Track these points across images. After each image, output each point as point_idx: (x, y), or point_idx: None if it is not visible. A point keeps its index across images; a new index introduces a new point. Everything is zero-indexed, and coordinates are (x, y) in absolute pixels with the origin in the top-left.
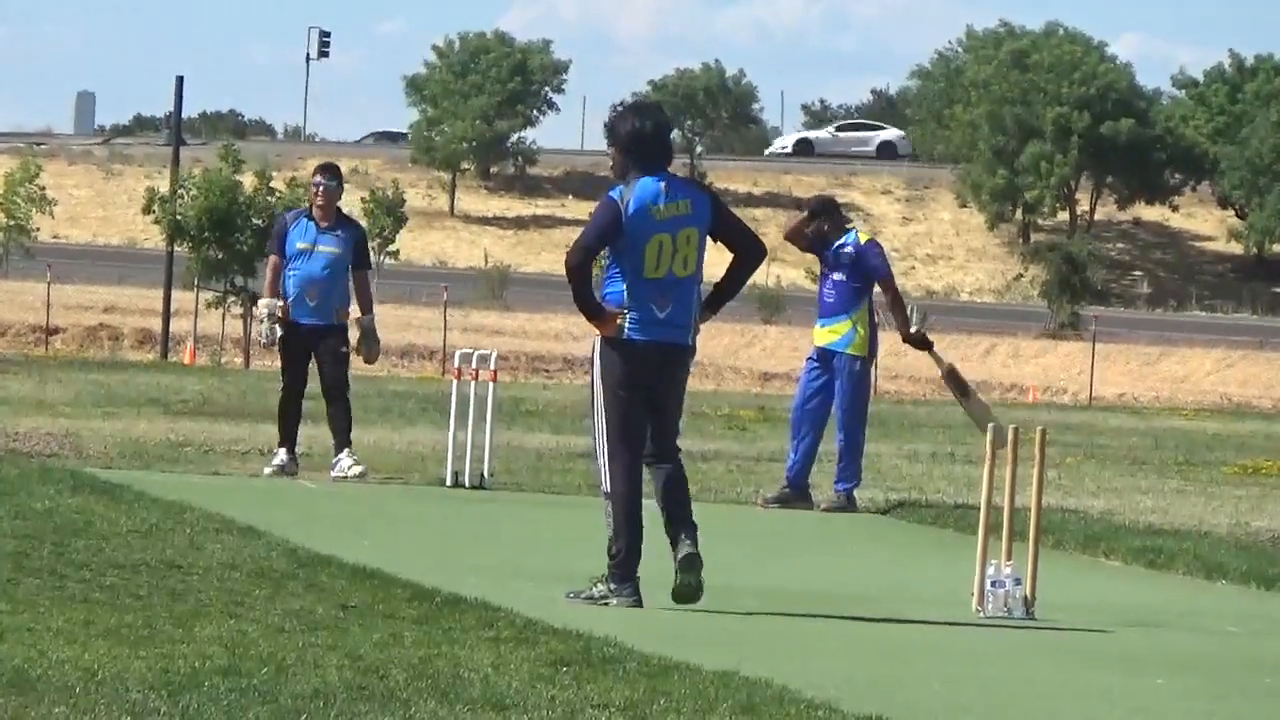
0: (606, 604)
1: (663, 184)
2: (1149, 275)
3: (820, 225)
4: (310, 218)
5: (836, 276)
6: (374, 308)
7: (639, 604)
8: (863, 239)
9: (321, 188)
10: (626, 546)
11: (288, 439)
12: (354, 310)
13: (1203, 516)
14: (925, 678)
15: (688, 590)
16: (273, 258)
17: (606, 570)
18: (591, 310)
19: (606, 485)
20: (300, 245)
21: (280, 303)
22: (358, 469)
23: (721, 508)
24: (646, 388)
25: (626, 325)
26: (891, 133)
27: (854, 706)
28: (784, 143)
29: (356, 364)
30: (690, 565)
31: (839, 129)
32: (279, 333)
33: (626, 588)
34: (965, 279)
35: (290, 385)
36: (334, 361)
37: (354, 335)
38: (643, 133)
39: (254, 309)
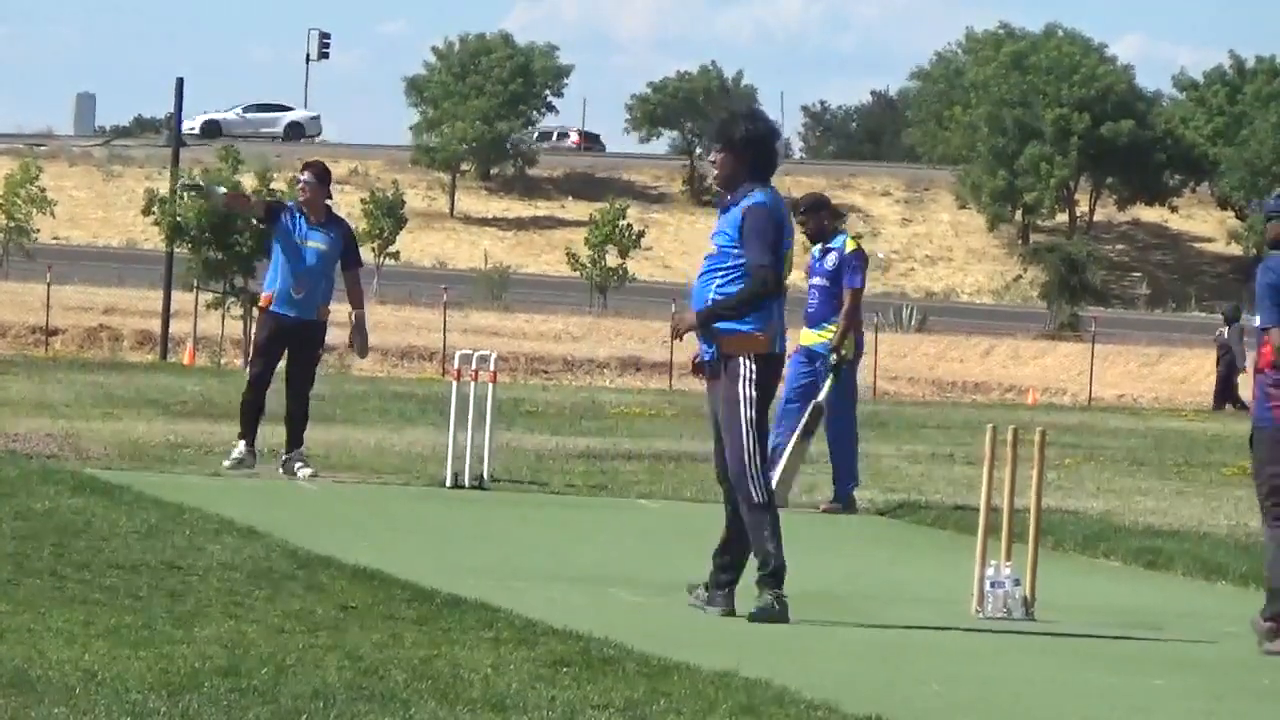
0: (785, 605)
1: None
2: (1148, 276)
3: (820, 219)
4: (301, 212)
5: (818, 283)
6: (365, 305)
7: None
8: (849, 247)
9: (302, 184)
10: (782, 554)
11: (249, 432)
12: (335, 307)
13: (1202, 517)
14: (925, 678)
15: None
16: (266, 201)
17: (768, 584)
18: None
19: (762, 497)
20: (290, 240)
21: (222, 191)
22: (307, 470)
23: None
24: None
25: (775, 339)
26: (300, 114)
27: (854, 706)
28: (192, 124)
29: (359, 365)
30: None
31: (246, 110)
32: (192, 186)
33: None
34: (965, 280)
35: (260, 376)
36: (306, 360)
37: (336, 333)
38: (762, 137)
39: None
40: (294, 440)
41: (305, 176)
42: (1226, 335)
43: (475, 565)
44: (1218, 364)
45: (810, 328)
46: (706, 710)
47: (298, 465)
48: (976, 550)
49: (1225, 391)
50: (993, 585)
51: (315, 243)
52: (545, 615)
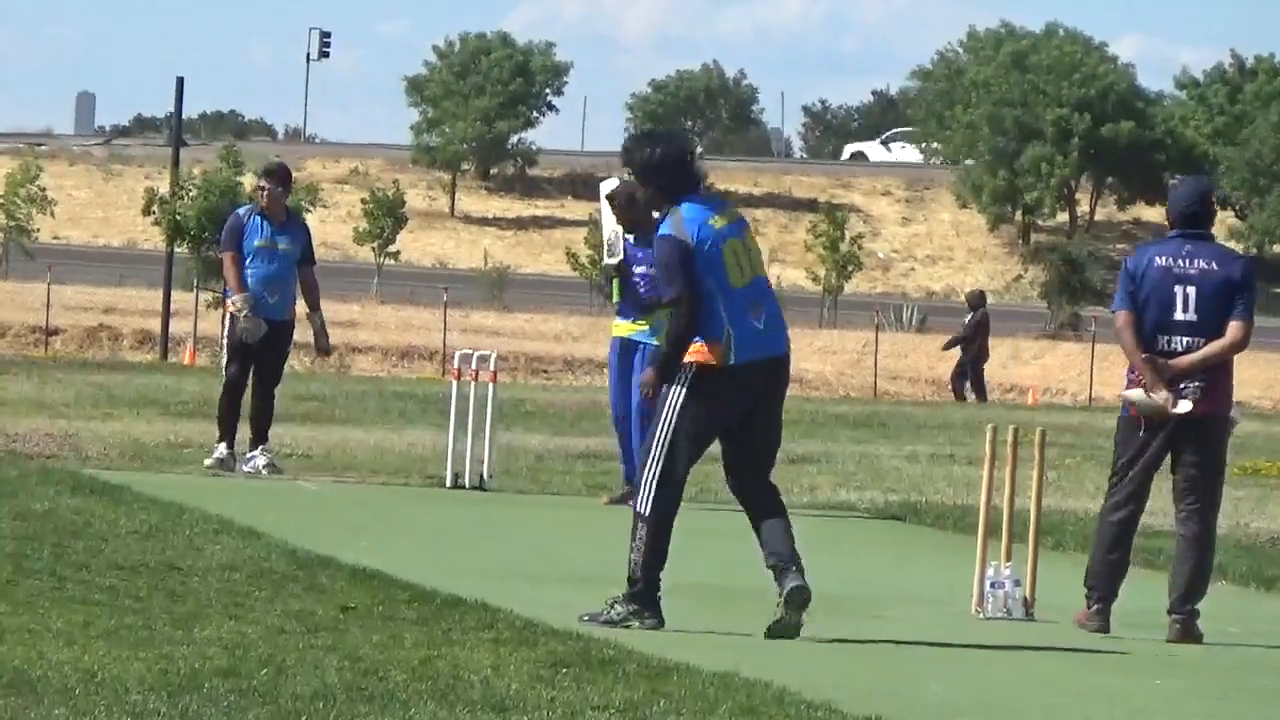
0: (620, 617)
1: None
2: None
3: (637, 210)
4: (263, 216)
5: (645, 271)
6: (360, 304)
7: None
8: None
9: (266, 191)
10: (651, 573)
11: (228, 434)
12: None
13: None
14: (925, 678)
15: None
16: (231, 253)
17: (627, 589)
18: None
19: (644, 508)
20: (258, 243)
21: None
22: (263, 459)
23: (721, 508)
24: (745, 409)
25: (728, 350)
26: None
27: (853, 707)
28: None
29: (363, 363)
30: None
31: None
32: (264, 326)
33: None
34: (965, 280)
35: (238, 379)
36: (278, 358)
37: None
38: (660, 163)
39: (229, 305)
40: (259, 437)
41: (267, 183)
42: (969, 322)
43: (475, 565)
44: (964, 351)
45: (632, 316)
46: (706, 711)
47: (263, 465)
48: (976, 550)
49: (974, 381)
50: (993, 585)
51: (283, 245)
52: (545, 616)
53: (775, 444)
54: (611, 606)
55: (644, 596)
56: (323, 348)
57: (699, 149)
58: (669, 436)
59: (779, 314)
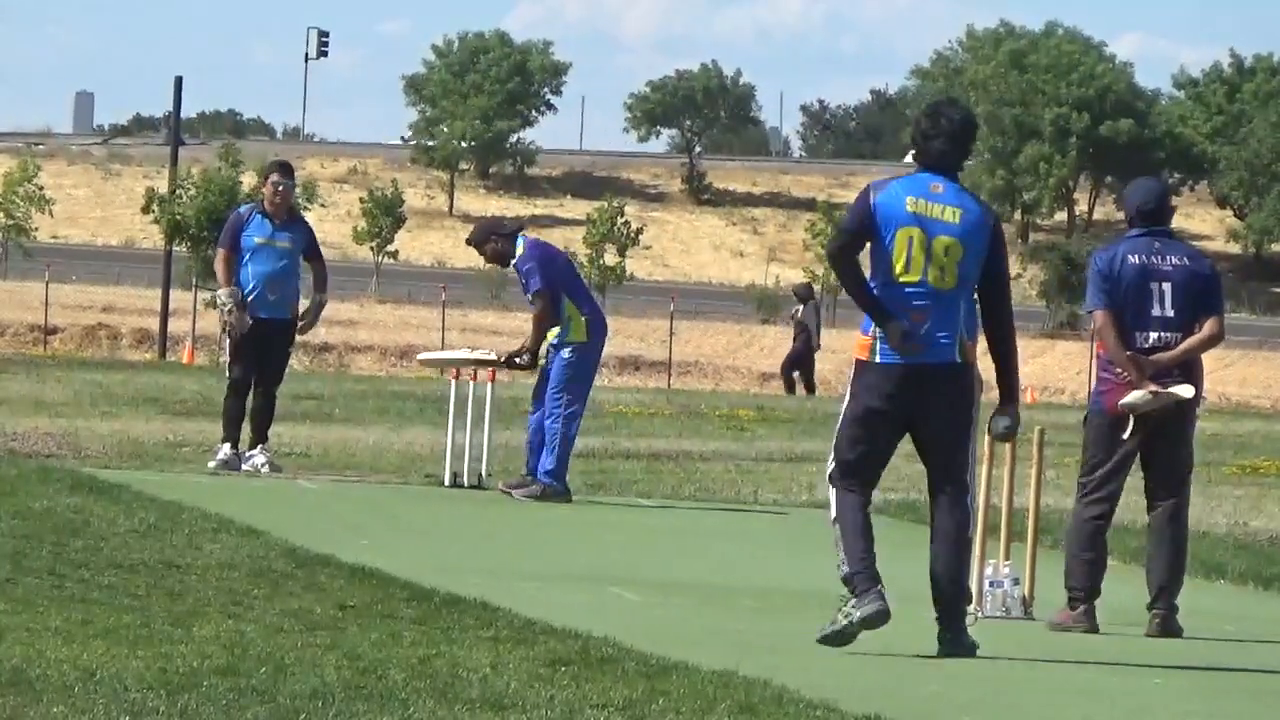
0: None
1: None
2: None
3: (495, 247)
4: (264, 214)
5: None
6: (360, 301)
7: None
8: (518, 250)
9: (281, 187)
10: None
11: (232, 434)
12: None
13: (1201, 516)
14: (924, 678)
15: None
16: (224, 251)
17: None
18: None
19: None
20: (258, 240)
21: (241, 291)
22: (263, 458)
23: (721, 508)
24: (903, 415)
25: (874, 346)
26: None
27: (853, 706)
28: None
29: (360, 362)
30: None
31: None
32: (248, 320)
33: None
34: None
35: (242, 379)
36: (281, 358)
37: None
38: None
39: (217, 300)
40: (259, 436)
41: (277, 178)
42: (802, 314)
43: (474, 564)
44: (794, 341)
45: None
46: (705, 710)
47: (262, 463)
48: (975, 549)
49: (800, 371)
50: (991, 584)
51: (284, 243)
52: (544, 614)
53: (946, 461)
54: (834, 620)
55: (854, 591)
56: (305, 324)
57: (945, 125)
58: (835, 433)
59: (950, 326)
